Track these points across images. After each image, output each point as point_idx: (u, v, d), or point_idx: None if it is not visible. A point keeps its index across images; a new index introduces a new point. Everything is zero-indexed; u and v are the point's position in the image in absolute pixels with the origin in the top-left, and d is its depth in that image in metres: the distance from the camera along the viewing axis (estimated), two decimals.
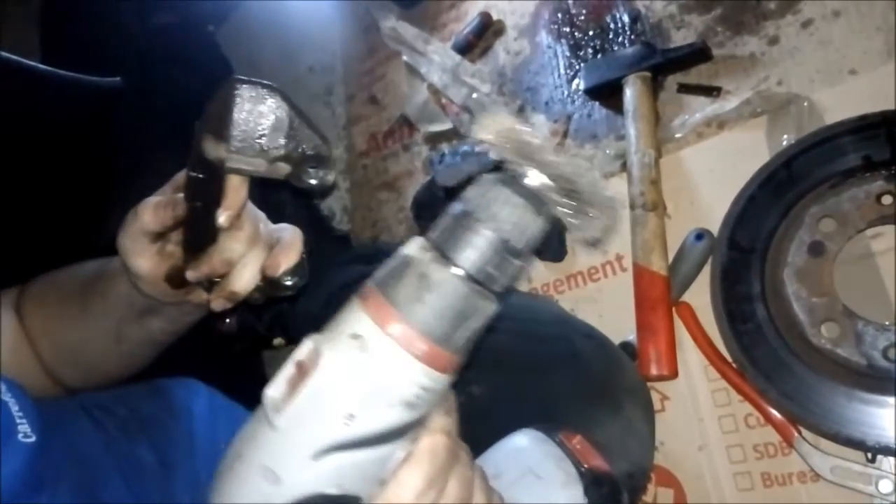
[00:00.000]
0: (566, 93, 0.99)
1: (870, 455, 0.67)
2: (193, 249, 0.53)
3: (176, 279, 0.55)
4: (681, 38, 0.89)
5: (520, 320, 0.74)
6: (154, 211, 0.54)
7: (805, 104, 0.76)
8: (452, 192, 1.04)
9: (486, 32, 1.09)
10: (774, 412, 0.72)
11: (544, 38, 1.03)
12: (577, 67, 0.98)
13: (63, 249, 1.11)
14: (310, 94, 1.32)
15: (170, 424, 0.69)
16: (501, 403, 0.55)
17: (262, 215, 0.56)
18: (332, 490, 0.37)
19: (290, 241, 0.55)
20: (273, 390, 0.37)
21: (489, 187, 0.37)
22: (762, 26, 0.83)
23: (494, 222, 0.36)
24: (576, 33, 1.00)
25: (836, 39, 0.78)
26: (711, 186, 0.82)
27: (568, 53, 1.00)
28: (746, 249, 0.74)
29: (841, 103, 0.74)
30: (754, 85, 0.82)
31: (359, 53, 1.26)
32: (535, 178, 0.36)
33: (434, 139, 1.11)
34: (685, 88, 0.87)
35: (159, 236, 0.56)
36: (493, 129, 0.37)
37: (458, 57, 1.09)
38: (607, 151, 0.90)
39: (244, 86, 0.46)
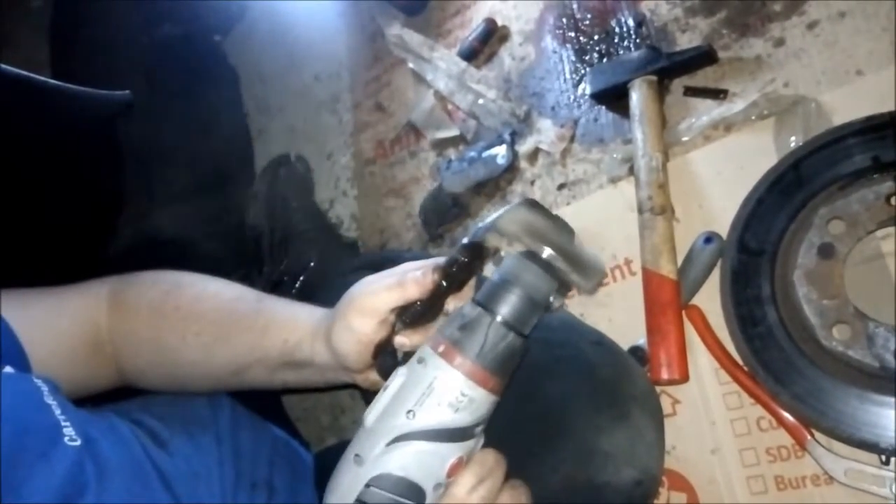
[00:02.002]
0: (572, 97, 0.99)
1: (883, 457, 0.67)
2: (413, 322, 0.60)
3: (380, 346, 0.61)
4: (686, 42, 0.89)
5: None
6: (418, 284, 0.58)
7: (812, 105, 0.76)
8: (460, 199, 1.05)
9: (491, 38, 1.09)
10: (787, 415, 0.72)
11: (549, 43, 1.03)
12: (583, 72, 0.98)
13: (74, 260, 1.12)
14: (316, 102, 1.32)
15: (197, 435, 0.70)
16: (508, 409, 0.55)
17: None
18: (398, 472, 0.51)
19: None
20: (369, 408, 0.53)
21: (517, 262, 0.54)
22: (767, 28, 0.83)
23: (520, 285, 0.53)
24: (581, 38, 1.00)
25: (841, 40, 0.78)
26: (719, 189, 0.82)
27: (573, 58, 1.00)
28: (756, 252, 0.73)
29: (848, 104, 0.74)
30: (761, 87, 0.82)
31: (365, 61, 1.26)
32: (546, 253, 0.53)
33: (441, 145, 1.11)
34: (691, 91, 0.87)
35: (397, 308, 0.60)
36: (514, 222, 0.55)
37: (463, 63, 1.09)
38: (614, 155, 0.90)
39: (538, 206, 0.58)
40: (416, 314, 0.60)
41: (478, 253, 0.58)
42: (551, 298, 0.54)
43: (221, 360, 0.68)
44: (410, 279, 0.59)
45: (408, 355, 0.60)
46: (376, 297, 0.59)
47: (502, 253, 0.58)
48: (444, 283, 0.58)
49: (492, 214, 0.59)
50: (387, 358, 0.61)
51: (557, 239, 0.54)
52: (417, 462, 0.51)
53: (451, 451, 0.52)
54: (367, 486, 0.51)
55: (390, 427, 0.51)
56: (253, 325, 0.67)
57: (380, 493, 0.51)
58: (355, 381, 0.65)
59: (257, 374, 0.68)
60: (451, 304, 0.59)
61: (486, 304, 0.53)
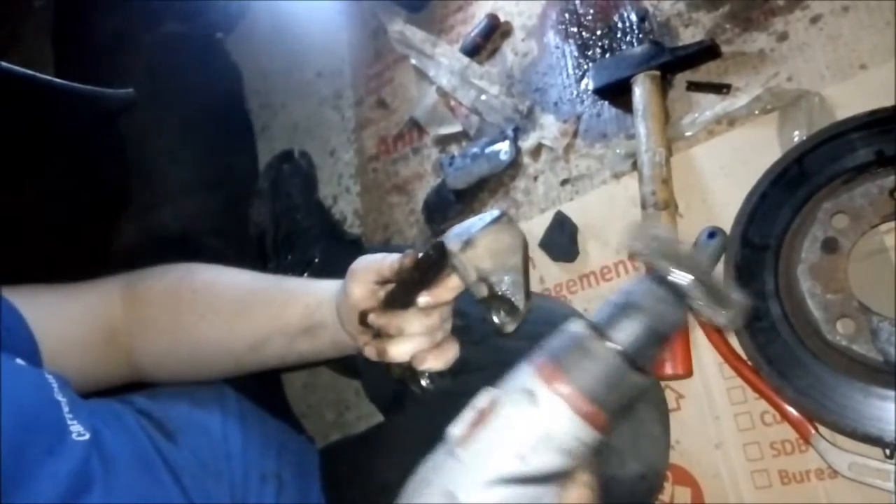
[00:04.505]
0: (575, 93, 0.99)
1: (888, 451, 0.67)
2: (388, 303, 0.62)
3: (364, 316, 0.63)
4: (689, 36, 0.89)
5: (532, 322, 0.74)
6: (390, 265, 0.61)
7: (816, 100, 0.76)
8: (463, 195, 1.05)
9: (493, 34, 1.09)
10: (791, 409, 0.72)
11: (552, 38, 1.03)
12: (586, 67, 0.98)
13: (79, 257, 1.12)
14: (319, 99, 1.33)
15: (204, 427, 0.70)
16: None
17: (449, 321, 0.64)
18: None
19: (446, 350, 0.62)
20: (457, 430, 0.47)
21: (644, 285, 0.47)
22: (771, 22, 0.83)
23: (645, 312, 0.46)
24: (584, 33, 1.00)
25: (845, 34, 0.78)
26: (723, 184, 0.82)
27: (576, 53, 1.00)
28: (759, 247, 0.73)
29: (852, 98, 0.74)
30: (764, 81, 0.82)
31: (367, 57, 1.26)
32: (679, 277, 0.45)
33: (443, 142, 1.12)
34: (695, 86, 0.87)
35: (378, 283, 0.63)
36: (645, 239, 0.47)
37: (466, 59, 1.09)
38: (617, 151, 0.90)
39: (505, 217, 0.56)
40: (388, 295, 0.62)
41: (441, 252, 0.59)
42: (498, 318, 0.53)
43: (241, 334, 0.69)
44: (389, 259, 0.62)
45: (414, 373, 0.61)
46: (365, 267, 0.63)
47: (454, 260, 0.58)
48: (416, 275, 0.60)
49: (466, 222, 0.59)
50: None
51: (693, 262, 0.46)
52: None
53: (551, 495, 0.47)
54: None
55: (493, 467, 0.46)
56: (274, 298, 0.69)
57: None
58: (357, 345, 0.67)
59: (275, 346, 0.69)
60: (422, 297, 0.60)
61: (613, 337, 0.46)
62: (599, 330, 0.46)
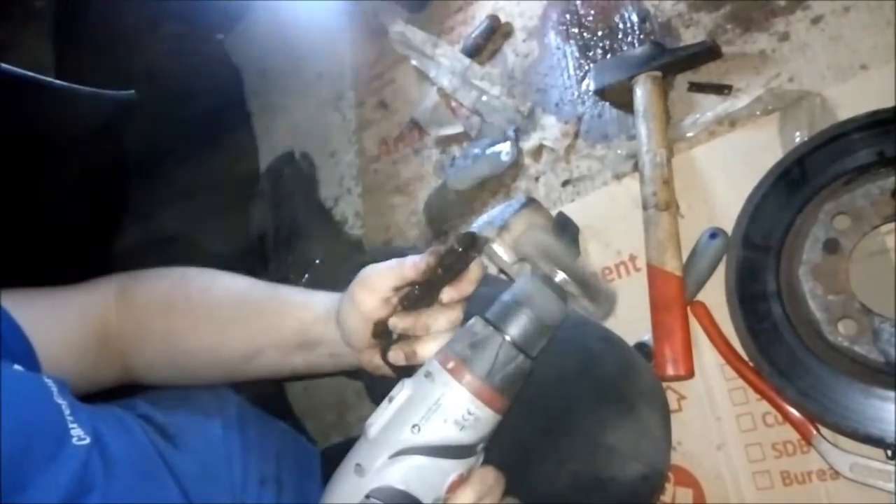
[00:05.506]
0: (576, 94, 0.99)
1: (889, 452, 0.67)
2: (409, 306, 0.62)
3: (379, 325, 0.62)
4: (690, 37, 0.89)
5: None
6: (414, 266, 0.60)
7: (817, 100, 0.76)
8: (464, 196, 1.05)
9: (494, 35, 1.09)
10: (792, 410, 0.72)
11: (553, 39, 1.03)
12: (587, 68, 0.98)
13: (79, 259, 1.12)
14: (320, 100, 1.33)
15: (205, 430, 0.70)
16: (515, 405, 0.56)
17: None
18: (399, 485, 0.51)
19: None
20: (371, 418, 0.53)
21: (529, 283, 0.54)
22: (772, 23, 0.83)
23: (530, 306, 0.53)
24: (584, 34, 1.00)
25: (846, 35, 0.78)
26: (724, 185, 0.82)
27: (577, 54, 1.00)
28: (761, 247, 0.73)
29: (853, 99, 0.74)
30: (765, 82, 0.82)
31: (368, 58, 1.26)
32: (559, 276, 0.54)
33: (445, 143, 1.12)
34: (696, 87, 0.87)
35: (396, 288, 0.62)
36: (531, 244, 0.56)
37: (466, 60, 1.09)
38: (619, 151, 0.90)
39: (534, 201, 0.60)
40: (412, 297, 0.61)
41: (472, 243, 0.59)
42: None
43: (235, 345, 0.69)
44: (409, 261, 0.61)
45: (410, 368, 0.61)
46: (379, 275, 0.62)
47: (493, 246, 0.59)
48: (440, 271, 0.60)
49: (492, 211, 0.60)
50: (385, 339, 0.63)
51: (571, 264, 0.54)
52: (419, 476, 0.51)
53: (452, 468, 0.52)
54: (367, 497, 0.51)
55: (394, 440, 0.52)
56: (267, 308, 0.69)
57: None
58: (360, 361, 0.66)
59: (269, 358, 0.69)
60: (447, 293, 0.60)
61: (497, 323, 0.53)
62: (492, 323, 0.53)
